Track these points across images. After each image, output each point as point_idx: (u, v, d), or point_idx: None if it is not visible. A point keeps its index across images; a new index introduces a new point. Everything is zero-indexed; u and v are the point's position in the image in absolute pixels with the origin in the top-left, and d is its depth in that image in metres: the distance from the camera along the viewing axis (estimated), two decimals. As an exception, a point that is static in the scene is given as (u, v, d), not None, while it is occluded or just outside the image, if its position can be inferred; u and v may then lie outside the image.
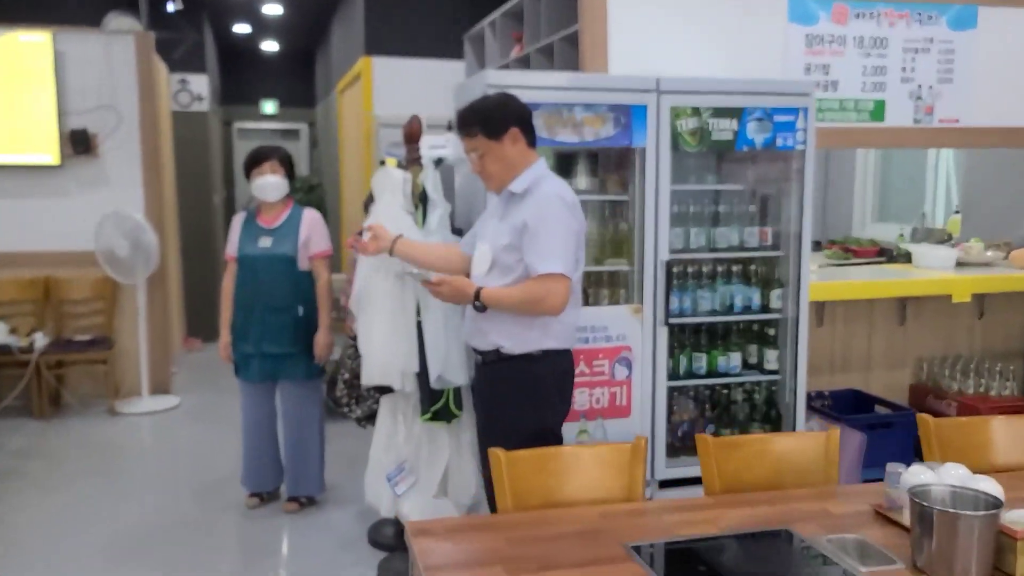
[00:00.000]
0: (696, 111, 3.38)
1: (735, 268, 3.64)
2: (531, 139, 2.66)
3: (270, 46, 11.20)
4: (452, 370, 3.21)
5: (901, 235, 5.38)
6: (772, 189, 3.65)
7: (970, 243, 4.47)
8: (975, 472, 1.93)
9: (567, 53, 4.20)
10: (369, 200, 3.72)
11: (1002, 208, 4.99)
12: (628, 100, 3.31)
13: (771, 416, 3.72)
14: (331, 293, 4.10)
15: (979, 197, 5.19)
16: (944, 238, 5.25)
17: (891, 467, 2.04)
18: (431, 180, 3.28)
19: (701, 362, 3.63)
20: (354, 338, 3.56)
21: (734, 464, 2.27)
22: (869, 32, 4.11)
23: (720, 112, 3.39)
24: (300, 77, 11.70)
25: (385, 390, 3.35)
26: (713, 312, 3.60)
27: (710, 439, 2.27)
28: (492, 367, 2.68)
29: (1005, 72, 4.29)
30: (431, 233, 3.23)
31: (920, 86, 4.22)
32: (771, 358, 3.66)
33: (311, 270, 4.03)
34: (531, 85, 3.22)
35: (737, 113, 3.41)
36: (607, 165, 3.55)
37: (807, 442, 2.36)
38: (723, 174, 3.69)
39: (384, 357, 3.24)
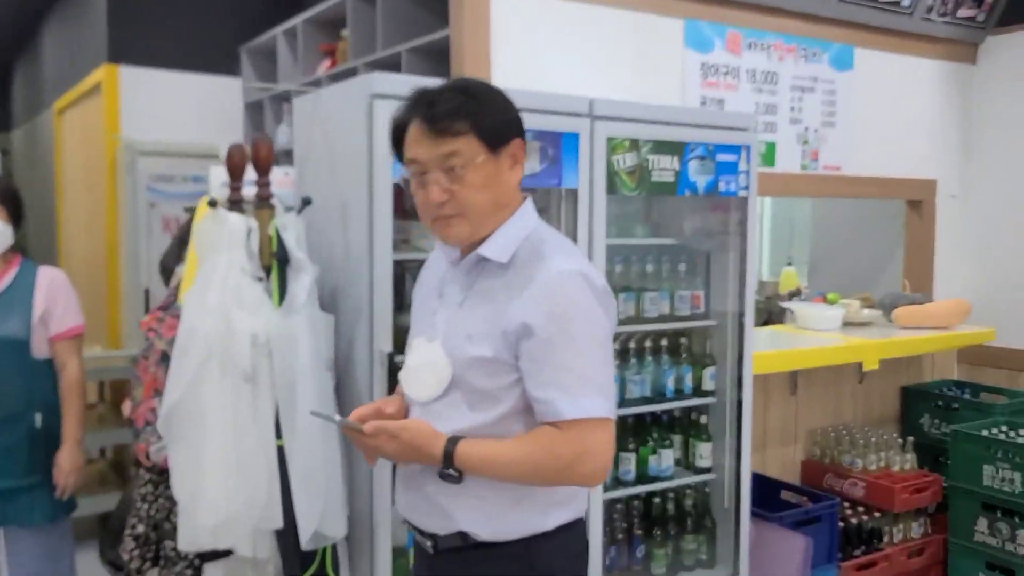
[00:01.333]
0: (635, 144, 2.61)
1: (664, 342, 2.89)
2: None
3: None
4: (331, 519, 2.12)
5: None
6: (709, 244, 2.97)
7: (848, 301, 4.14)
8: None
9: (420, 67, 3.28)
10: (172, 260, 2.52)
11: (852, 262, 4.78)
12: (557, 125, 2.47)
13: (705, 525, 3.01)
14: (83, 390, 2.80)
15: (828, 250, 4.97)
16: (774, 292, 4.96)
17: None
18: (292, 230, 2.19)
19: (628, 465, 2.83)
20: (156, 471, 2.34)
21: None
22: (761, 65, 3.63)
23: (661, 147, 2.65)
24: (-14, 95, 9.46)
25: (218, 555, 2.17)
26: (645, 400, 2.83)
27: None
28: (454, 560, 1.58)
29: (880, 118, 4.03)
30: (294, 312, 2.14)
31: (807, 128, 3.81)
32: (704, 452, 2.96)
33: (53, 357, 2.71)
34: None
35: (678, 149, 2.69)
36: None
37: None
38: (654, 225, 2.95)
39: (222, 505, 2.07)
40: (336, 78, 3.74)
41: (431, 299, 1.65)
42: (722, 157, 2.77)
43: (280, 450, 2.10)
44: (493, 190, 1.52)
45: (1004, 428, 3.67)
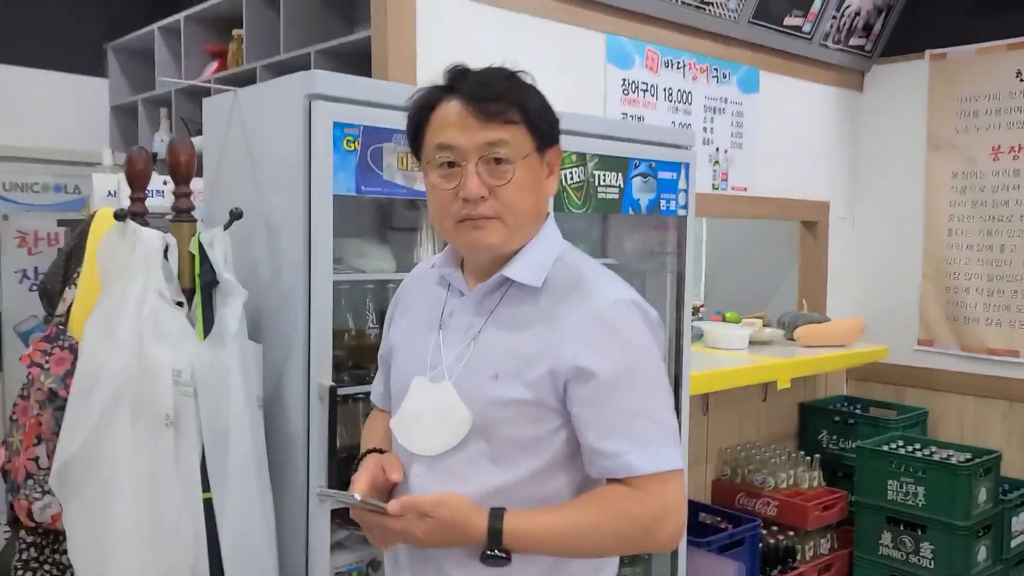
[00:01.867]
0: (582, 158, 2.47)
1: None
2: None
3: None
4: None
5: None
6: (647, 264, 2.86)
7: (751, 320, 4.16)
8: None
9: (333, 70, 3.00)
10: (57, 281, 2.15)
11: (745, 281, 4.84)
12: (504, 137, 2.29)
13: (641, 557, 2.89)
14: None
15: (722, 269, 5.02)
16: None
17: None
18: (220, 248, 1.88)
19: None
20: (41, 532, 1.96)
21: None
22: (677, 84, 3.60)
23: (606, 163, 2.52)
24: None
25: (129, 631, 1.82)
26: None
27: None
28: None
29: (780, 140, 4.09)
30: (224, 343, 1.84)
31: (718, 149, 3.81)
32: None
33: None
34: (385, 103, 2.04)
35: (623, 165, 2.57)
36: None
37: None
38: (595, 245, 2.81)
39: (135, 572, 1.74)
40: (227, 82, 3.40)
41: (425, 330, 1.38)
42: (663, 175, 2.67)
43: (208, 504, 1.79)
44: (537, 196, 1.29)
45: (900, 443, 3.78)
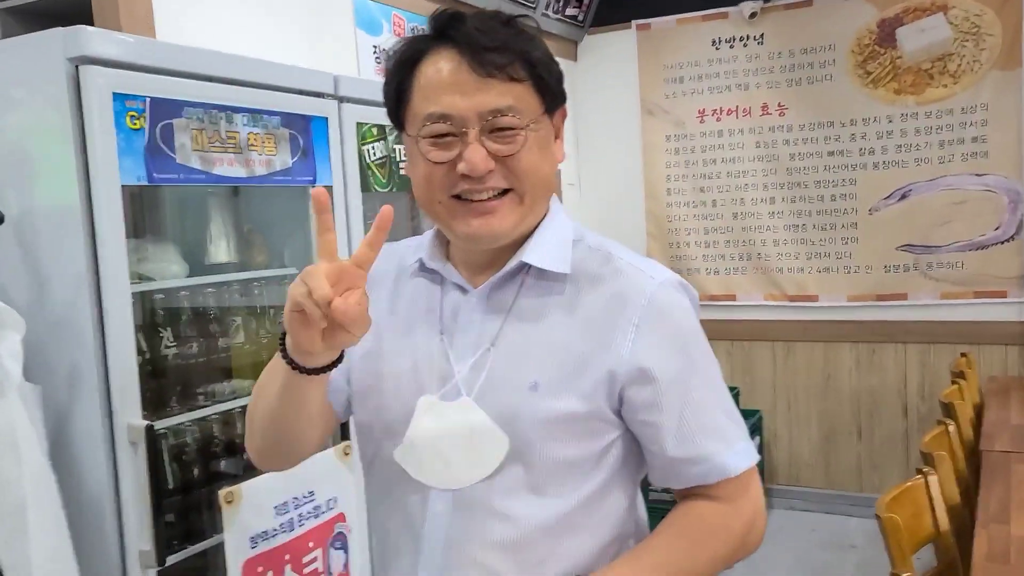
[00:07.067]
0: (382, 131, 2.23)
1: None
2: None
3: None
4: None
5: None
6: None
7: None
8: None
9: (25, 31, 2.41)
10: None
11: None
12: (304, 107, 1.98)
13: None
14: None
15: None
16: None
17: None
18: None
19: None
20: None
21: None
22: (423, 53, 3.42)
23: (405, 135, 2.30)
24: None
25: None
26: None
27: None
28: None
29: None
30: (2, 394, 1.36)
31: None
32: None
33: None
34: (175, 69, 1.65)
35: (418, 137, 2.36)
36: (261, 218, 2.11)
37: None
38: (406, 230, 2.55)
39: None
40: None
41: (419, 336, 1.09)
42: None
43: None
44: (551, 164, 1.06)
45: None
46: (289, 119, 1.92)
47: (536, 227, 1.08)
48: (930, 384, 3.95)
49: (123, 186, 1.58)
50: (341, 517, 2.05)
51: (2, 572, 1.33)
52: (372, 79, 2.34)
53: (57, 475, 1.58)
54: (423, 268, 1.12)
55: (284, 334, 0.97)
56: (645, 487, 1.14)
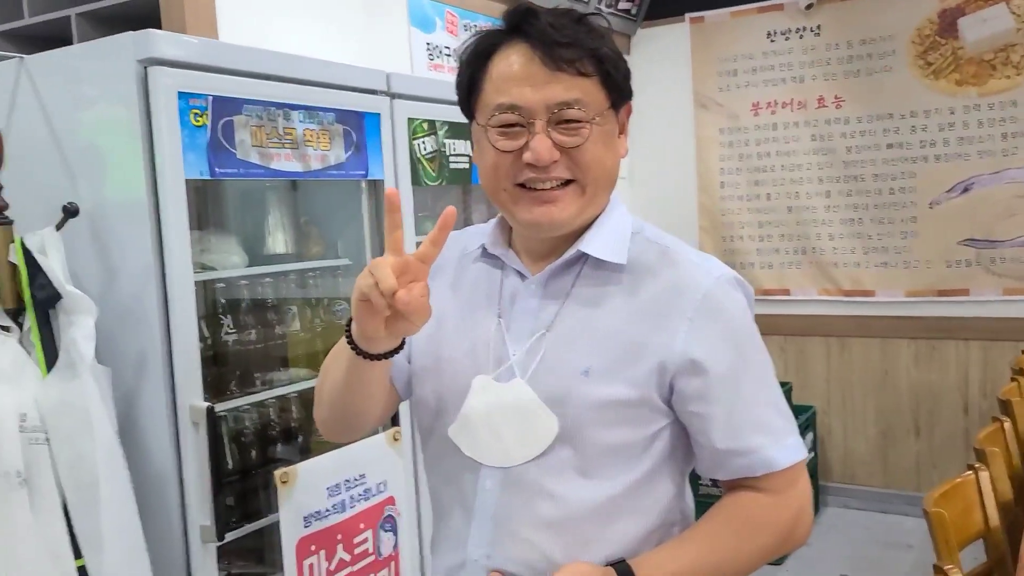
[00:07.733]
0: (432, 126, 2.29)
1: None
2: None
3: None
4: None
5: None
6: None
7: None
8: None
9: (93, 35, 2.53)
10: None
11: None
12: (358, 104, 2.05)
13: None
14: None
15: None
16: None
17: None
18: (56, 254, 1.49)
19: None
20: None
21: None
22: (476, 49, 3.48)
23: (456, 130, 2.36)
24: None
25: None
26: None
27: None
28: None
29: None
30: (76, 375, 1.46)
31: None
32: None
33: None
34: (235, 68, 1.74)
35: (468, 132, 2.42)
36: (316, 210, 2.19)
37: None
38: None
39: None
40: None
41: (479, 317, 1.14)
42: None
43: (83, 572, 1.43)
44: (614, 158, 1.10)
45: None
46: (343, 115, 2.00)
47: (596, 218, 1.12)
48: (992, 382, 3.86)
49: (187, 180, 1.66)
50: (391, 500, 2.12)
51: (76, 540, 1.43)
52: (424, 75, 2.40)
53: (125, 452, 1.69)
54: (485, 254, 1.18)
55: (350, 320, 1.03)
56: (695, 480, 1.18)
